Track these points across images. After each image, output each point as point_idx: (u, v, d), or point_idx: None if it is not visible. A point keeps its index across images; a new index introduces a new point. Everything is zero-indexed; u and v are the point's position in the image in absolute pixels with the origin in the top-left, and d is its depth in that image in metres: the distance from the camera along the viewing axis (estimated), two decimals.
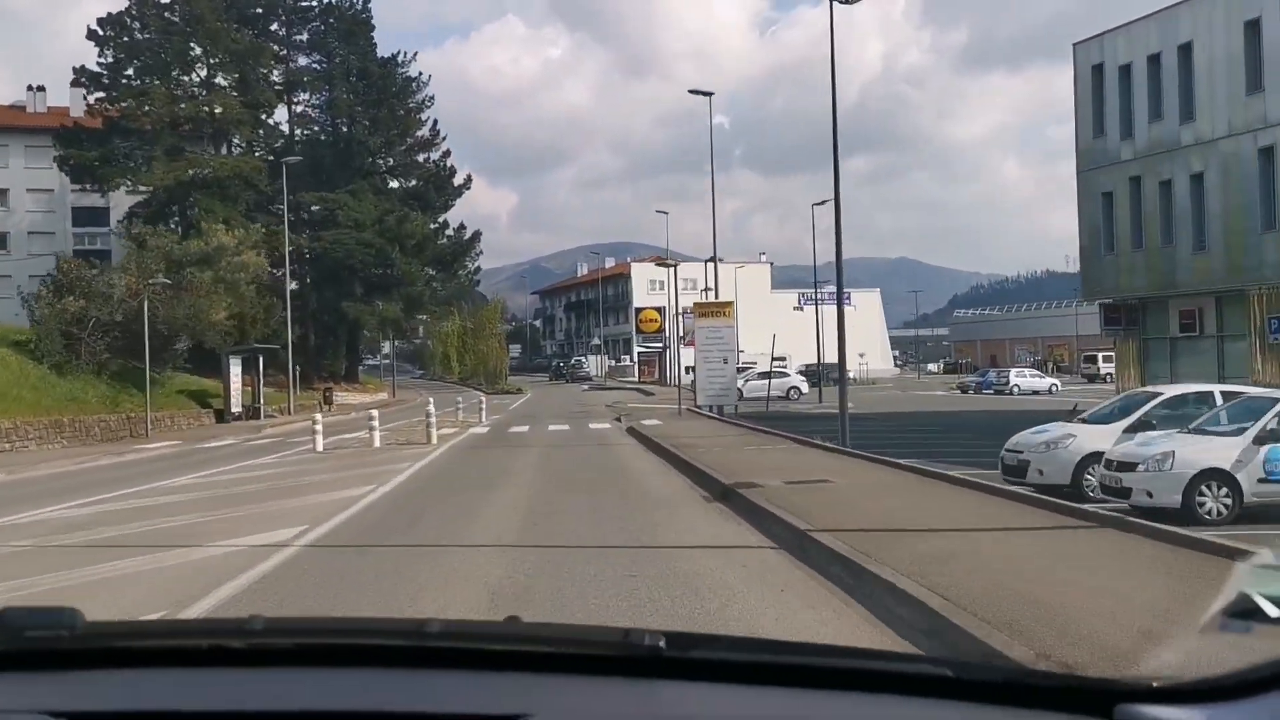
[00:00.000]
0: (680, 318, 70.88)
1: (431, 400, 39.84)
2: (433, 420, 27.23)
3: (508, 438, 28.94)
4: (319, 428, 25.88)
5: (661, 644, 1.41)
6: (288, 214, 49.58)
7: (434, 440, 26.22)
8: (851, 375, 68.13)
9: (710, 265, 53.44)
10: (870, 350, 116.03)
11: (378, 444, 25.83)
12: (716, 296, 45.85)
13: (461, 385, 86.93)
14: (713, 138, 40.58)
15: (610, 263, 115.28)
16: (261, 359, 42.74)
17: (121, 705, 1.34)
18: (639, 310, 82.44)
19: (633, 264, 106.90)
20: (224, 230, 46.09)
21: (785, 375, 56.37)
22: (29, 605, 1.47)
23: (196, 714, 1.33)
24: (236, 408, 39.91)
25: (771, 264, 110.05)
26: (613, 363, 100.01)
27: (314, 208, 64.52)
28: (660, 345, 76.43)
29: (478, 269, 70.44)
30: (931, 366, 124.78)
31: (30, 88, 74.37)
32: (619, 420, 34.97)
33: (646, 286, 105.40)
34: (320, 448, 25.24)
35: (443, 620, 1.48)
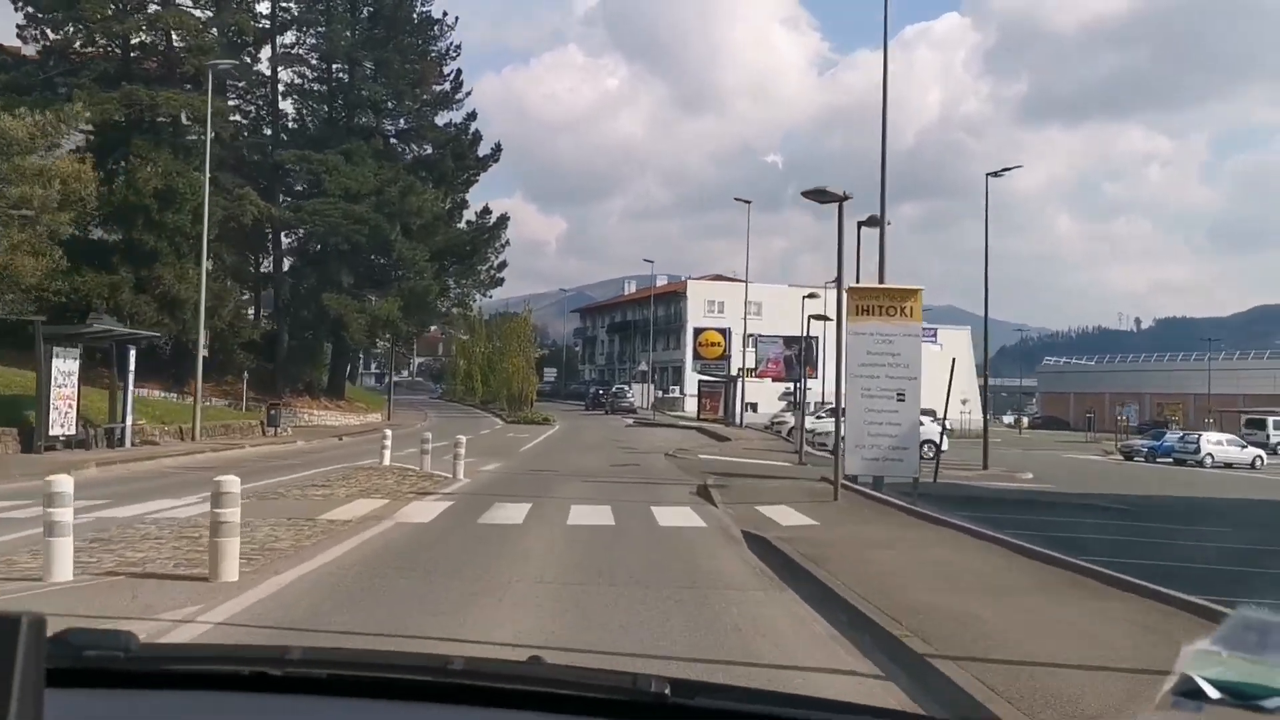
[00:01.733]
0: (750, 343, 54.41)
1: (389, 436, 23.77)
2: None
3: (460, 554, 12.20)
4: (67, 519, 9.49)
5: (666, 690, 1.44)
6: (208, 164, 33.75)
7: (229, 575, 9.26)
8: (952, 426, 54.32)
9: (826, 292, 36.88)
10: (961, 394, 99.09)
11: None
12: (838, 315, 29.01)
13: (482, 409, 71.15)
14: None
15: (662, 280, 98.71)
16: (132, 353, 26.60)
17: None
18: (698, 331, 66.07)
19: (689, 281, 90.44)
20: (8, 117, 28.90)
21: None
22: (87, 628, 1.49)
23: None
24: (63, 428, 23.74)
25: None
26: (660, 393, 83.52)
27: (291, 168, 48.66)
28: (722, 375, 59.76)
29: (503, 264, 54.23)
30: (1007, 419, 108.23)
31: None
32: (705, 495, 18.48)
33: (703, 308, 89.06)
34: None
35: (466, 658, 1.55)
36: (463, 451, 20.62)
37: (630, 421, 56.98)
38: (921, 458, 38.25)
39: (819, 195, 17.44)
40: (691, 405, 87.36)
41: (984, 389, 39.85)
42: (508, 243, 53.56)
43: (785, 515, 14.57)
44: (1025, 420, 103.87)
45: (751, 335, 55.21)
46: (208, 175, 33.14)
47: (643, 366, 77.45)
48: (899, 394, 19.58)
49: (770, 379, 56.14)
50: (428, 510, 14.56)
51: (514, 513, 14.48)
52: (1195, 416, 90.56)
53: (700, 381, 56.20)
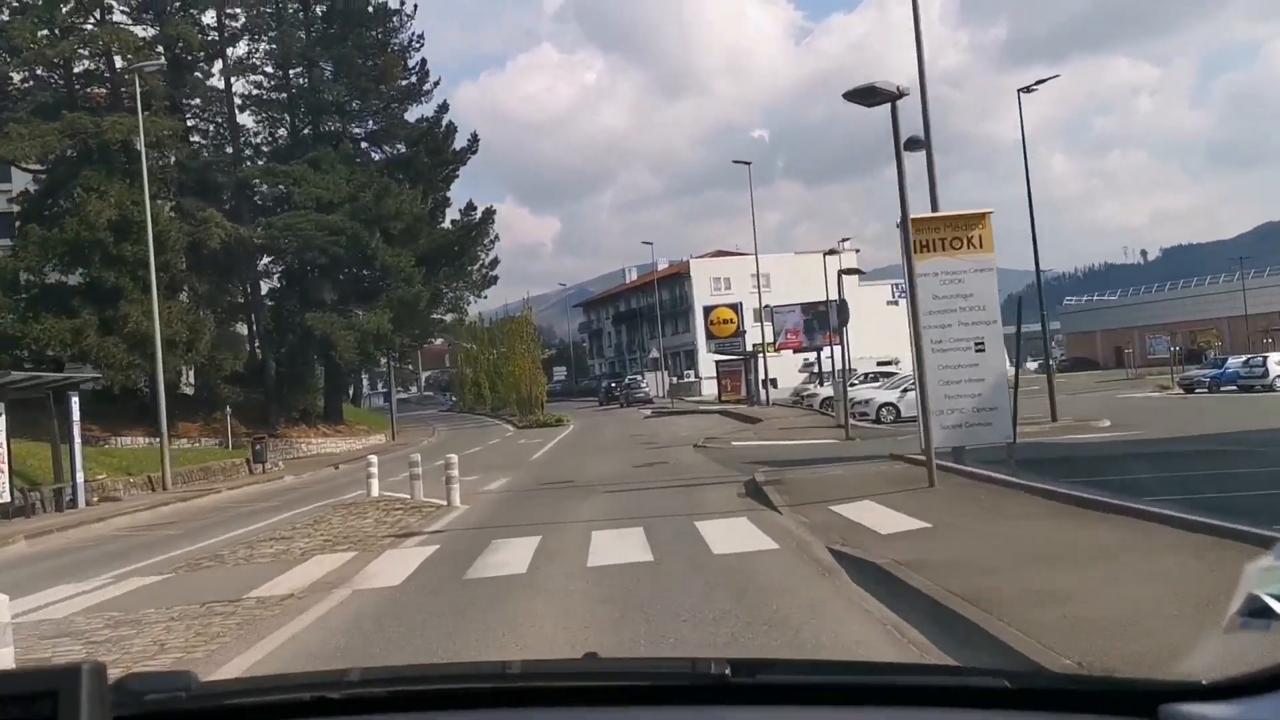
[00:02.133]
0: (766, 315, 50.68)
1: (375, 464, 20.31)
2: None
3: (431, 645, 8.45)
4: None
5: (727, 671, 1.44)
6: (146, 180, 30.26)
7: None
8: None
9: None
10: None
11: None
12: (906, 251, 24.96)
13: (493, 417, 67.76)
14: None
15: (663, 265, 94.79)
16: (75, 400, 23.02)
17: None
18: (708, 310, 62.36)
19: (691, 261, 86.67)
20: None
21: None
22: (146, 672, 1.51)
23: None
24: None
25: (858, 251, 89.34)
26: (675, 379, 79.84)
27: (257, 184, 45.11)
28: (740, 353, 55.96)
29: (494, 262, 50.54)
30: (1031, 364, 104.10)
31: None
32: (758, 496, 14.87)
33: (709, 286, 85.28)
34: None
35: (523, 661, 1.60)
36: (455, 473, 16.95)
37: (648, 413, 53.35)
38: (819, 409, 34.84)
39: (866, 95, 13.68)
40: (709, 388, 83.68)
41: (1044, 335, 36.06)
42: (497, 238, 50.00)
43: (878, 517, 10.86)
44: (1031, 365, 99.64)
45: (766, 307, 51.45)
46: (147, 191, 29.56)
47: (654, 354, 73.80)
48: (977, 343, 15.93)
49: (791, 350, 52.34)
50: (402, 564, 10.90)
51: (516, 554, 10.82)
52: (1232, 340, 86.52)
53: (717, 362, 52.45)
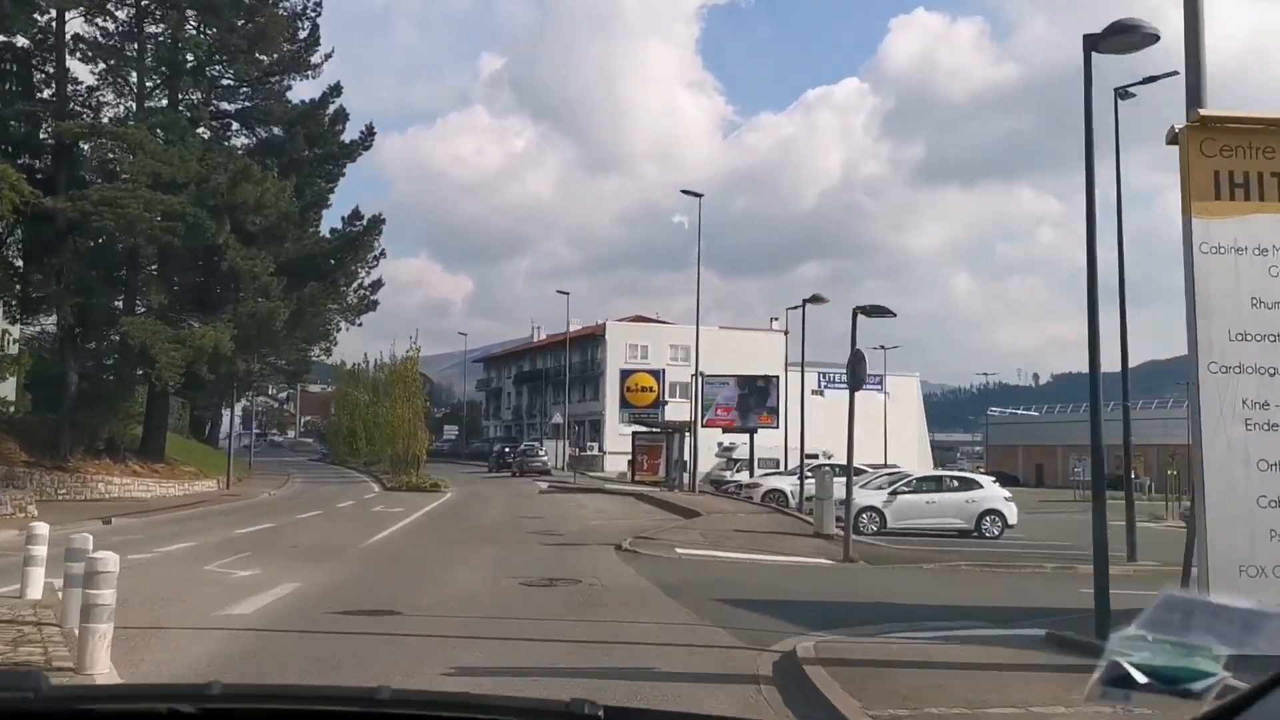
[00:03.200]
0: (699, 384, 41.95)
1: (41, 541, 10.09)
2: None
3: None
4: None
5: (600, 714, 1.42)
6: None
7: None
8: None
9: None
10: (912, 452, 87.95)
11: None
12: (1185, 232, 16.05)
13: (364, 473, 57.48)
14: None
15: (576, 326, 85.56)
16: None
17: None
18: (625, 374, 53.31)
19: (608, 324, 77.90)
20: None
21: (969, 486, 27.50)
22: None
23: None
24: None
25: (786, 332, 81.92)
26: (576, 450, 70.34)
27: (79, 145, 34.96)
28: (660, 426, 46.75)
29: (376, 284, 40.88)
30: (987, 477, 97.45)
31: None
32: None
33: (625, 352, 76.40)
34: None
35: (394, 689, 1.46)
36: (106, 598, 7.25)
37: (545, 486, 43.82)
38: (981, 533, 26.05)
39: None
40: (615, 464, 74.41)
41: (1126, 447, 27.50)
42: (383, 253, 40.32)
43: None
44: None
45: (700, 373, 42.82)
46: None
47: (556, 419, 64.40)
48: None
49: (721, 429, 43.46)
50: None
51: None
52: (1159, 468, 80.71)
53: (634, 434, 43.26)
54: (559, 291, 68.77)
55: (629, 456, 43.51)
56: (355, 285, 40.24)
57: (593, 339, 77.88)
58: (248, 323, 35.57)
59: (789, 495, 31.34)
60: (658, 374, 52.67)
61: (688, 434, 39.67)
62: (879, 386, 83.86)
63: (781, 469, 44.31)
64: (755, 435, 43.88)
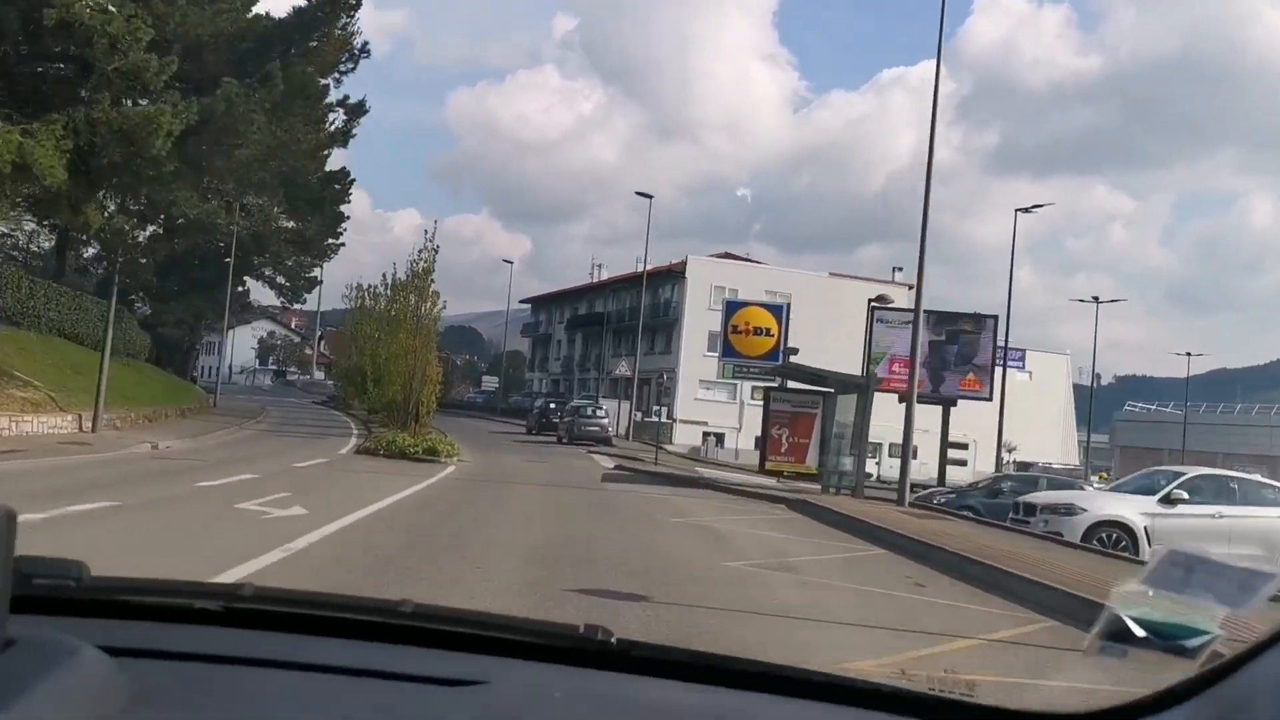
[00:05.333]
0: (872, 324, 24.82)
1: None
2: None
3: None
4: None
5: (613, 640, 1.45)
6: None
7: None
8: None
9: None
10: (1056, 449, 70.44)
11: None
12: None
13: (368, 421, 41.36)
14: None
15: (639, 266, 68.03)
16: None
17: (129, 644, 1.35)
18: (733, 308, 36.13)
19: (689, 259, 60.69)
20: None
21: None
22: (36, 555, 1.36)
23: (195, 655, 1.37)
24: None
25: (911, 287, 64.12)
26: (639, 415, 53.79)
27: None
28: (811, 383, 29.03)
29: (359, 107, 24.03)
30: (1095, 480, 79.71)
31: None
32: None
33: (709, 295, 59.42)
34: None
35: (416, 602, 1.51)
36: None
37: (610, 467, 27.28)
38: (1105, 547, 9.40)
39: None
40: (684, 436, 57.57)
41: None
42: (365, 50, 23.38)
43: None
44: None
45: (877, 302, 25.80)
46: None
47: (622, 369, 47.63)
48: None
49: (897, 394, 26.13)
50: None
51: None
52: None
53: (770, 396, 25.59)
54: (639, 193, 51.28)
55: (760, 430, 26.13)
56: (321, 105, 23.35)
57: (668, 277, 60.87)
58: (106, 136, 18.94)
59: (1138, 533, 14.33)
60: (778, 311, 35.43)
61: (857, 397, 22.57)
62: (1019, 364, 66.23)
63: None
64: (950, 409, 26.91)
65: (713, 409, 59.03)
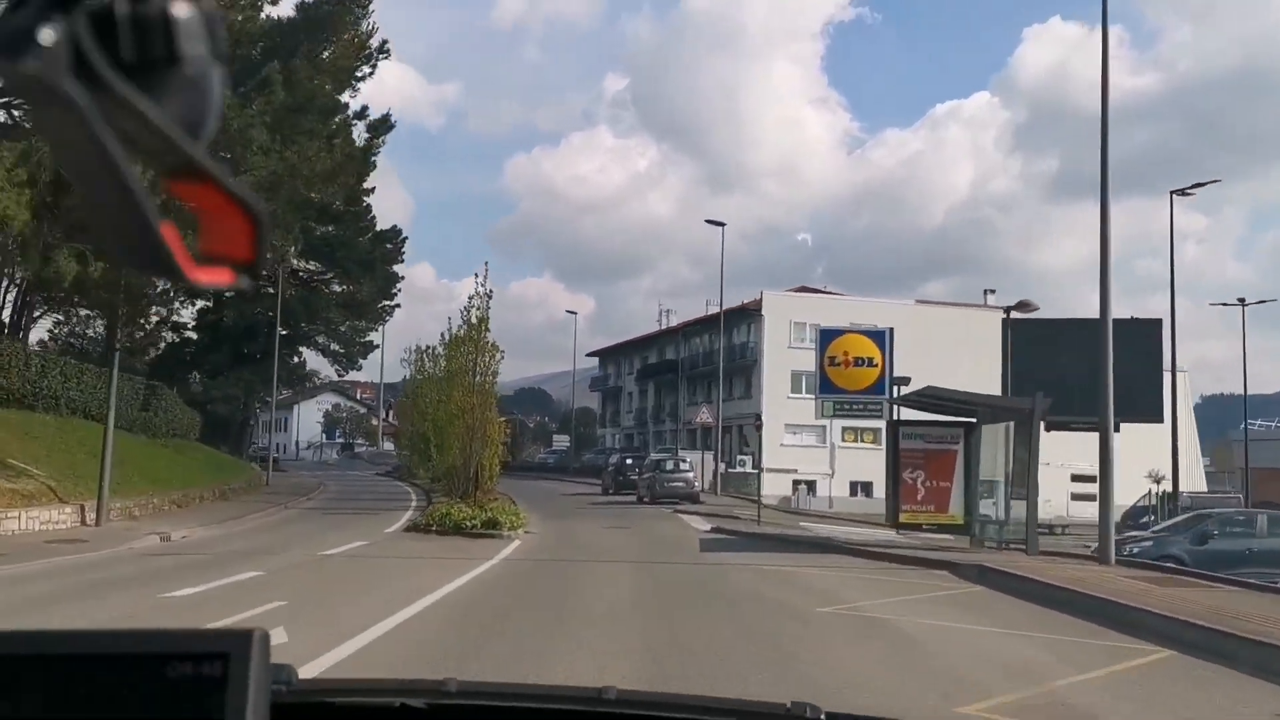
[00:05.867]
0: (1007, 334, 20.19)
1: None
2: None
3: None
4: None
5: (822, 716, 1.39)
6: None
7: None
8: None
9: None
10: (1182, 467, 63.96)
11: None
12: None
13: (431, 490, 37.44)
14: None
15: (709, 309, 63.76)
16: None
17: None
18: (829, 336, 31.66)
19: (765, 294, 56.37)
20: None
21: None
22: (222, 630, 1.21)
23: None
24: None
25: (1009, 311, 58.83)
26: (724, 466, 49.42)
27: None
28: (950, 412, 24.35)
29: (384, 122, 20.50)
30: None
31: None
32: None
33: (787, 332, 55.08)
34: None
35: (621, 689, 1.47)
36: None
37: (705, 530, 22.96)
38: None
39: None
40: (772, 486, 52.82)
41: None
42: (385, 49, 19.68)
43: None
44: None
45: (1018, 311, 21.32)
46: None
47: (704, 416, 43.42)
48: None
49: (1044, 425, 21.33)
50: None
51: None
52: None
53: (899, 429, 21.04)
54: (710, 222, 47.47)
55: (887, 475, 21.44)
56: (336, 119, 19.68)
57: (743, 316, 56.56)
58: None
59: None
60: (880, 337, 30.87)
61: (1014, 426, 18.07)
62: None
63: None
64: (1111, 435, 22.02)
65: (801, 454, 54.23)
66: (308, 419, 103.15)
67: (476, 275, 31.52)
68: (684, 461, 36.63)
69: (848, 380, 30.77)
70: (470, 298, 31.88)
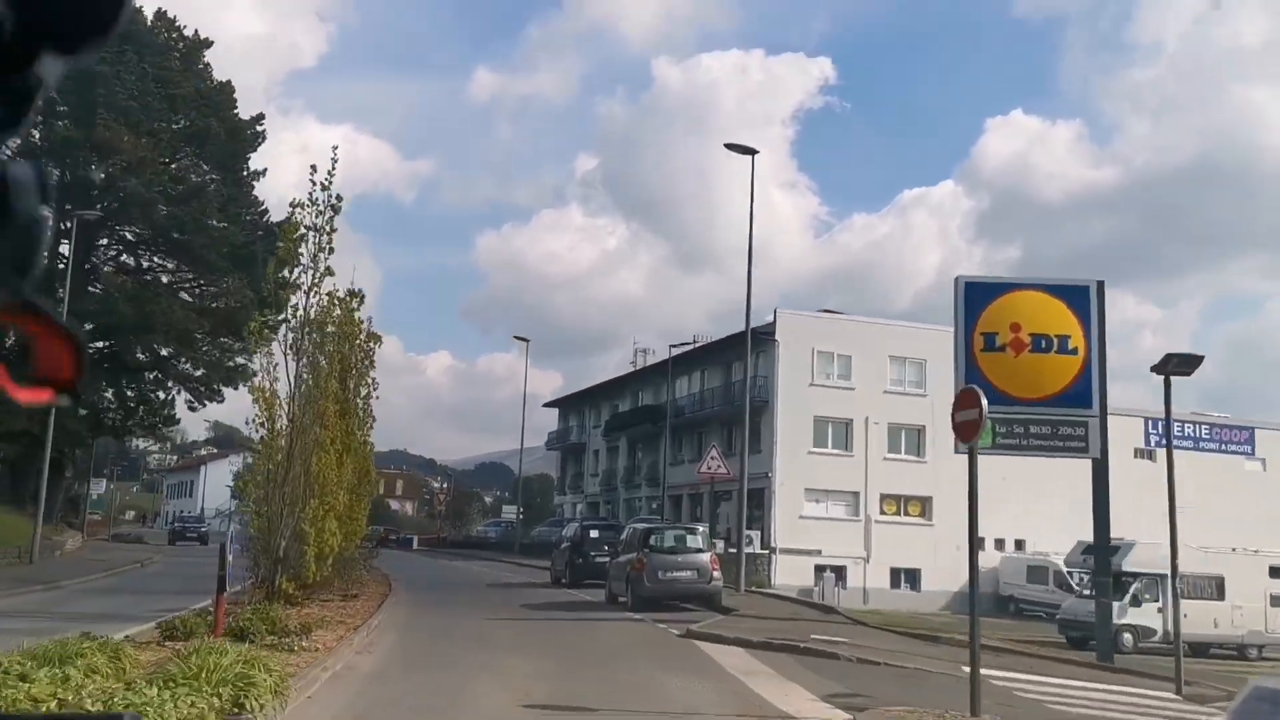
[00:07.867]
0: None
1: None
2: None
3: None
4: None
5: None
6: None
7: None
8: None
9: None
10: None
11: None
12: None
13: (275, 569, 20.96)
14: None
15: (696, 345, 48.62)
16: None
17: None
18: (988, 293, 16.35)
19: (779, 312, 41.41)
20: None
21: None
22: (88, 712, 1.27)
23: None
24: None
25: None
26: (724, 545, 34.03)
27: None
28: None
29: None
30: None
31: None
32: None
33: (808, 365, 40.42)
34: None
35: None
36: None
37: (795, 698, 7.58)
38: None
39: None
40: (787, 573, 37.43)
41: None
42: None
43: None
44: None
45: None
46: None
47: (715, 464, 28.30)
48: None
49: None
50: None
51: None
52: None
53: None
54: (730, 146, 31.07)
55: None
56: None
57: (762, 339, 41.48)
58: None
59: None
60: (1082, 298, 16.07)
61: None
62: (1247, 449, 46.17)
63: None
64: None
65: (827, 531, 39.12)
66: (217, 481, 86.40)
67: (313, 169, 16.59)
68: (694, 533, 21.15)
69: (1021, 376, 15.87)
70: (294, 204, 17.04)
